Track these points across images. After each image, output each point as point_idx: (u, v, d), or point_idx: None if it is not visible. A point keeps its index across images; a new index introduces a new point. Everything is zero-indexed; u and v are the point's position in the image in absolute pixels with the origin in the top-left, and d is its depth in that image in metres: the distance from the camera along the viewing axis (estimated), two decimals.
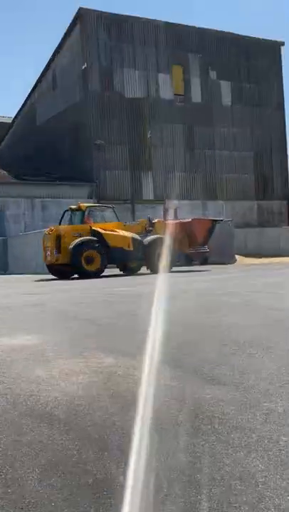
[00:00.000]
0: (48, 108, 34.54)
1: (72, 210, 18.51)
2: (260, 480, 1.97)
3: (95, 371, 3.50)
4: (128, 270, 18.57)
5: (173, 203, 27.82)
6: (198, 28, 33.47)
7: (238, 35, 34.62)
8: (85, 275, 16.59)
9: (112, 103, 30.68)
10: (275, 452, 2.19)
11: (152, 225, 18.45)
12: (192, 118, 32.85)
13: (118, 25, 31.07)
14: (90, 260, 16.86)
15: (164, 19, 32.53)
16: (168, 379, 3.22)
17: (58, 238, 17.24)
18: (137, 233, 17.95)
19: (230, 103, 34.23)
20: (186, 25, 33.11)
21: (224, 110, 33.94)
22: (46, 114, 34.80)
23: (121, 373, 3.41)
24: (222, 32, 34.25)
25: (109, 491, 1.92)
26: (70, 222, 18.33)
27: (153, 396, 2.86)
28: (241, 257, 26.83)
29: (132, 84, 31.35)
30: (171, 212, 22.27)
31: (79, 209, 18.16)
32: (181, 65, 32.82)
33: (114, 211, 18.60)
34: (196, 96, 33.25)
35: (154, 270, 17.02)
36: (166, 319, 5.35)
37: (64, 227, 17.72)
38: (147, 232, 18.17)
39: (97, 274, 16.80)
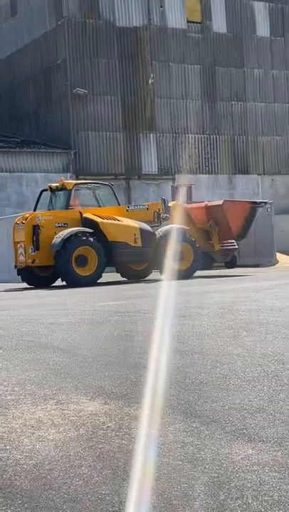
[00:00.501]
0: (4, 42, 34.48)
1: (52, 189, 18.65)
2: None
3: (73, 422, 3.49)
4: (133, 275, 18.68)
5: (185, 179, 27.83)
6: None
7: None
8: (74, 283, 16.63)
9: (97, 35, 30.65)
10: None
11: (167, 210, 18.58)
12: (213, 56, 32.80)
13: None
14: (82, 261, 16.99)
15: None
16: (179, 433, 3.20)
17: (35, 229, 17.33)
18: (146, 222, 18.06)
19: (268, 34, 34.16)
20: None
21: (260, 44, 33.88)
22: (2, 52, 34.76)
23: (111, 425, 3.40)
24: None
25: None
26: (51, 206, 18.51)
27: (158, 458, 2.84)
28: (285, 257, 26.78)
29: (125, 8, 31.32)
30: (182, 192, 22.31)
31: (62, 188, 18.28)
32: None
33: (112, 190, 18.84)
34: (220, 24, 33.22)
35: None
36: (177, 348, 5.33)
37: (43, 214, 17.87)
38: (161, 221, 18.29)
39: (92, 281, 16.93)
